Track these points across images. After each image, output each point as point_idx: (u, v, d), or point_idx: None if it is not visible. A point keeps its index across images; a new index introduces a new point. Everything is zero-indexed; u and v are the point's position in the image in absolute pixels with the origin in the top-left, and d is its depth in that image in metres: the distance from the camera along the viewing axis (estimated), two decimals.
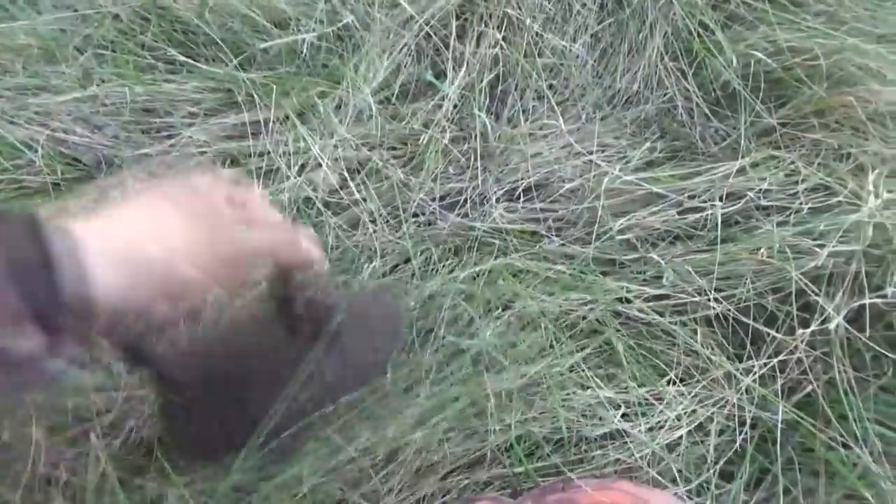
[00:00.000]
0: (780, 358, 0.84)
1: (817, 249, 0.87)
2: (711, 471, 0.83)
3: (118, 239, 0.31)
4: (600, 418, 0.86)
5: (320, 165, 1.01)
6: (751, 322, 0.88)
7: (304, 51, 1.10)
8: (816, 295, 0.84)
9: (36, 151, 0.96)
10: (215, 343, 0.43)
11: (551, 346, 0.91)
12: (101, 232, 0.30)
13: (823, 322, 0.82)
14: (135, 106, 1.02)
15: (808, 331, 0.81)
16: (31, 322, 0.26)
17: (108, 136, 0.99)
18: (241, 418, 0.44)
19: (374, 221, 1.02)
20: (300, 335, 0.45)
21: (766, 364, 0.85)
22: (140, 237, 0.32)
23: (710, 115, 1.19)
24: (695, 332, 0.91)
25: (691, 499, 0.83)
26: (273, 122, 1.04)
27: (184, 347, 0.41)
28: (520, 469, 0.83)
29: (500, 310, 0.94)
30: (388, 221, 1.03)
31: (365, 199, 1.02)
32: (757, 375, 0.84)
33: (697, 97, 1.19)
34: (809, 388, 0.82)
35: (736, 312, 0.89)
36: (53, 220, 0.29)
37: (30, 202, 0.96)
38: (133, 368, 0.40)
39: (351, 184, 1.02)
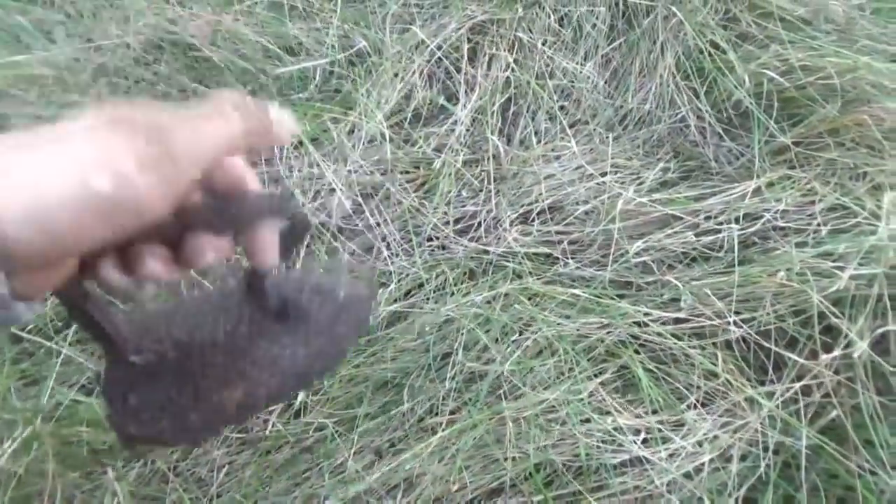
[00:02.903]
0: (804, 382, 0.82)
1: (837, 272, 0.86)
2: (734, 497, 0.82)
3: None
4: (620, 445, 0.85)
5: (334, 191, 1.01)
6: (772, 346, 0.86)
7: (317, 77, 1.10)
8: (839, 318, 0.82)
9: None
10: (178, 312, 0.42)
11: (570, 371, 0.90)
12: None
13: (847, 346, 0.80)
14: None
15: (832, 356, 0.80)
16: None
17: None
18: (189, 397, 0.41)
19: (388, 246, 1.01)
20: (266, 312, 0.41)
21: (788, 388, 0.83)
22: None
23: (722, 134, 1.18)
24: (714, 355, 0.89)
25: None
26: (286, 148, 1.04)
27: (144, 313, 0.40)
28: (539, 498, 0.82)
29: (517, 334, 0.94)
30: (402, 246, 1.02)
31: (379, 224, 1.02)
32: (780, 400, 0.83)
33: (710, 116, 1.18)
34: (834, 413, 0.80)
35: (756, 336, 0.88)
36: None
37: None
38: (79, 325, 0.37)
39: (365, 209, 1.02)
